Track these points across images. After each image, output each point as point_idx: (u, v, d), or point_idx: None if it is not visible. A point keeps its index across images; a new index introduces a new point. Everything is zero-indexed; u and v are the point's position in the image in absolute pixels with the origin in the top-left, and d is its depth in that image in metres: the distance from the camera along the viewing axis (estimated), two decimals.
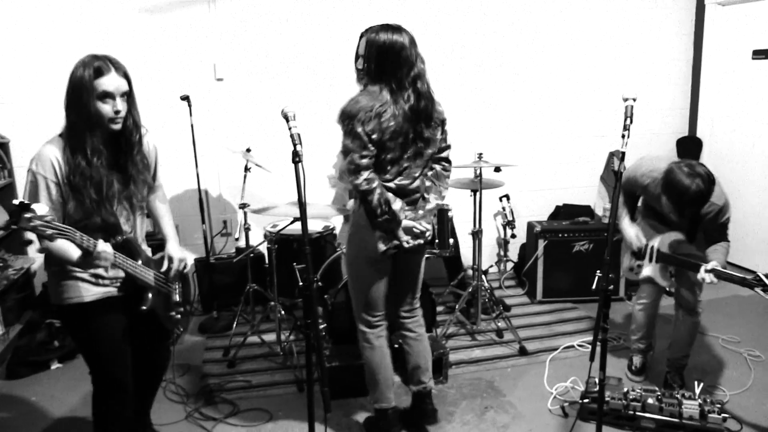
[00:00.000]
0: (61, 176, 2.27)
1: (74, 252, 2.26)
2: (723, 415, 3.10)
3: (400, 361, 3.32)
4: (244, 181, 4.36)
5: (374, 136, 2.68)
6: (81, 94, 2.27)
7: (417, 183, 2.90)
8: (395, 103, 2.71)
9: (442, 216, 4.03)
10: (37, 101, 4.53)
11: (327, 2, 4.97)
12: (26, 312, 4.44)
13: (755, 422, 3.29)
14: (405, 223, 2.86)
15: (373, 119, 2.66)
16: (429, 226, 2.99)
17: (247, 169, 4.38)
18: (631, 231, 3.60)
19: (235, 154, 4.52)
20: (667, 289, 3.65)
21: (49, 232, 2.02)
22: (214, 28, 4.80)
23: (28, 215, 1.96)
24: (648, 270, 3.58)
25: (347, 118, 2.68)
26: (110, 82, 2.29)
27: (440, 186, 3.00)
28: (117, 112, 2.32)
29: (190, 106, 4.28)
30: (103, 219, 2.38)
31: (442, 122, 2.92)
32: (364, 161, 2.69)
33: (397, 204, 2.81)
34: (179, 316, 2.77)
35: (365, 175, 2.70)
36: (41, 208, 2.01)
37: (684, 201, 3.12)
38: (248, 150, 4.41)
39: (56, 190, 2.27)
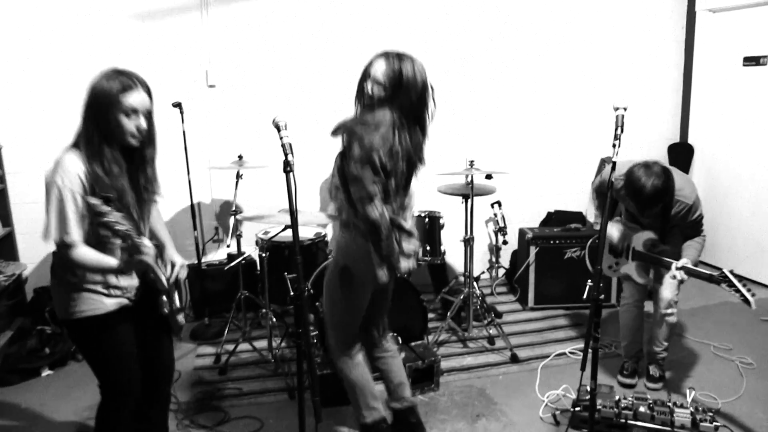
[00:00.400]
0: (87, 188, 2.26)
1: (110, 259, 2.29)
2: (715, 423, 3.10)
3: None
4: (236, 188, 4.35)
5: (387, 165, 2.60)
6: (105, 107, 2.27)
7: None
8: (400, 133, 2.63)
9: (434, 223, 4.04)
10: (30, 107, 4.52)
11: (320, 10, 4.98)
12: (17, 319, 4.41)
13: (747, 430, 3.29)
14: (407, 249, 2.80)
15: (385, 145, 2.57)
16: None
17: (239, 176, 4.37)
18: (613, 228, 3.66)
19: (226, 163, 4.50)
20: (648, 287, 3.72)
21: (118, 227, 2.11)
22: (206, 35, 4.79)
23: (113, 215, 2.09)
24: (625, 268, 3.66)
25: (363, 145, 2.55)
26: (137, 98, 2.30)
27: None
28: (140, 129, 2.34)
29: (182, 112, 4.27)
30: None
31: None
32: (376, 188, 2.58)
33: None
34: (184, 320, 2.76)
35: (378, 203, 2.58)
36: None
37: (643, 200, 3.20)
38: (240, 157, 4.40)
39: (82, 202, 2.25)
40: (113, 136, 2.30)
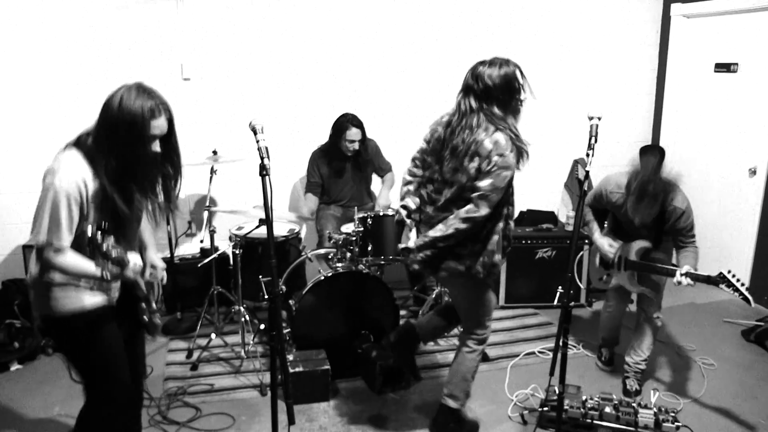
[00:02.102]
0: (85, 196, 2.21)
1: (92, 267, 2.23)
2: (676, 423, 3.19)
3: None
4: (210, 182, 4.33)
5: None
6: (129, 128, 2.21)
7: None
8: None
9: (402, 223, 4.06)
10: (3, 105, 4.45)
11: (296, 4, 4.95)
12: None
13: (707, 430, 3.39)
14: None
15: None
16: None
17: (213, 171, 4.35)
18: (604, 241, 3.75)
19: (200, 159, 4.47)
20: (635, 292, 3.78)
21: (114, 255, 2.13)
22: (181, 27, 4.75)
23: (107, 242, 2.11)
24: (617, 278, 3.75)
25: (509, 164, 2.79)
26: (158, 125, 2.26)
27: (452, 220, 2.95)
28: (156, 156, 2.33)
29: None
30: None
31: None
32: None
33: None
34: (159, 321, 2.76)
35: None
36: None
37: (648, 193, 3.25)
38: (215, 152, 4.38)
39: (77, 209, 2.20)
40: (130, 163, 2.27)
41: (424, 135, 3.06)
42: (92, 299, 2.38)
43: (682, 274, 3.28)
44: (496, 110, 2.79)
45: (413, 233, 3.04)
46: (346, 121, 4.53)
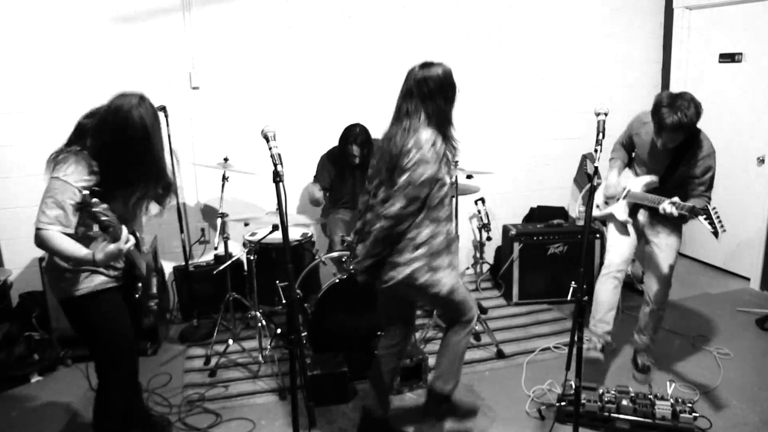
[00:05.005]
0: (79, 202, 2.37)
1: (84, 249, 2.40)
2: (693, 414, 3.21)
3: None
4: (222, 190, 4.37)
5: None
6: (138, 141, 2.46)
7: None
8: None
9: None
10: (12, 112, 4.49)
11: (303, 9, 4.99)
12: (3, 325, 4.39)
13: (724, 420, 3.40)
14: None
15: None
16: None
17: (225, 179, 4.39)
18: (613, 178, 3.82)
19: (212, 164, 4.52)
20: (628, 227, 3.78)
21: (105, 218, 2.21)
22: (189, 36, 4.79)
23: (94, 201, 2.18)
24: (612, 207, 3.79)
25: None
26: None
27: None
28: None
29: (166, 116, 4.26)
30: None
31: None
32: None
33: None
34: (156, 307, 2.89)
35: None
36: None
37: (675, 109, 3.24)
38: (226, 159, 4.42)
39: (71, 210, 2.43)
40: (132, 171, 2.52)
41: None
42: (101, 279, 2.59)
43: (670, 203, 3.28)
44: (430, 110, 2.80)
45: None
46: (350, 137, 4.54)
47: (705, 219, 3.16)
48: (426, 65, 2.86)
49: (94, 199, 2.18)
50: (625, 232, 3.77)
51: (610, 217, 3.83)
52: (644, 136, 3.66)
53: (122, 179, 2.49)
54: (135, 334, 2.84)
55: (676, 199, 3.29)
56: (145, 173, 2.55)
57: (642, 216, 3.76)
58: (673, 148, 3.47)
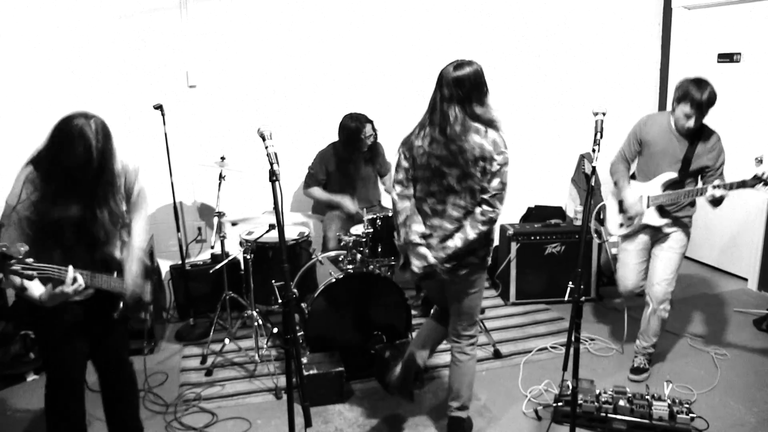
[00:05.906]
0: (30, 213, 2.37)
1: (37, 290, 2.33)
2: (691, 415, 3.20)
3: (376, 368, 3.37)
4: (219, 189, 4.35)
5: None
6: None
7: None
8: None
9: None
10: (4, 109, 4.47)
11: (300, 8, 4.98)
12: None
13: (721, 420, 3.39)
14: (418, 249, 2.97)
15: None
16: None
17: (221, 177, 4.38)
18: (632, 196, 3.77)
19: (209, 163, 4.51)
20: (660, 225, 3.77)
21: (28, 273, 2.13)
22: (186, 34, 4.78)
23: (11, 261, 2.07)
24: (642, 218, 3.75)
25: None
26: None
27: (471, 226, 2.92)
28: None
29: (163, 114, 4.26)
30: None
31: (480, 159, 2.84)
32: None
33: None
34: (148, 317, 2.83)
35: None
36: (21, 248, 2.10)
37: (700, 86, 3.54)
38: (222, 158, 4.40)
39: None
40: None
41: (398, 157, 3.06)
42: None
43: (714, 186, 3.35)
44: (476, 109, 2.84)
45: (423, 249, 3.02)
46: (358, 122, 4.59)
47: (764, 185, 3.25)
48: (460, 65, 2.91)
49: (13, 260, 2.10)
50: (641, 251, 3.85)
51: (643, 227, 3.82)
52: (655, 134, 3.70)
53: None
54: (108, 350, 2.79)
55: (717, 182, 3.38)
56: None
57: (650, 218, 3.76)
58: (687, 137, 3.58)
